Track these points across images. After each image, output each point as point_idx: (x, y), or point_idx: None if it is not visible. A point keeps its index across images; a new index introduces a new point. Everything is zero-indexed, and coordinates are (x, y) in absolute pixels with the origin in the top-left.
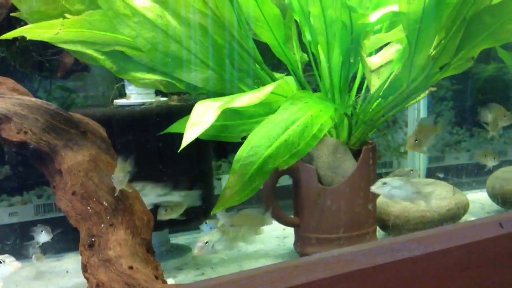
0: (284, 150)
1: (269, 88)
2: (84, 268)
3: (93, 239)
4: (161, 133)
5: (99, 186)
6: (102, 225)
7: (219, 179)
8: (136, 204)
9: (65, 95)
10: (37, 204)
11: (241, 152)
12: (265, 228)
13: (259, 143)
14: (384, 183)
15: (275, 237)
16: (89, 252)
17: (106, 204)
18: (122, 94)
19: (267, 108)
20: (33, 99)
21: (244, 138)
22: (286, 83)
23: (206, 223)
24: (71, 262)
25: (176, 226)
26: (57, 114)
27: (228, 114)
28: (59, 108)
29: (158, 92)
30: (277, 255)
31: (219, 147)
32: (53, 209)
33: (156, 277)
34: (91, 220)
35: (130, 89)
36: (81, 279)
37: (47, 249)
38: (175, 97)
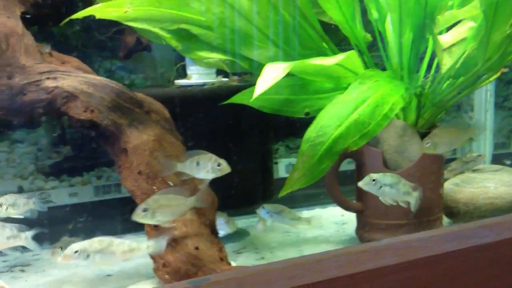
0: (354, 131)
1: (341, 56)
2: None
3: None
4: (224, 103)
5: (164, 165)
6: None
7: (276, 163)
8: (199, 185)
9: (125, 76)
10: (97, 185)
11: (310, 132)
12: (323, 214)
13: (328, 123)
14: (373, 180)
15: (334, 223)
16: (155, 232)
17: (171, 184)
18: (181, 75)
19: (333, 83)
20: (98, 77)
21: (307, 114)
22: (355, 57)
23: (263, 207)
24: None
25: (235, 209)
26: (122, 92)
27: (293, 87)
28: (124, 87)
29: (218, 73)
30: (338, 241)
31: (277, 130)
32: (112, 190)
33: (221, 259)
34: None
35: (192, 69)
36: (143, 259)
37: (107, 231)
38: (236, 77)
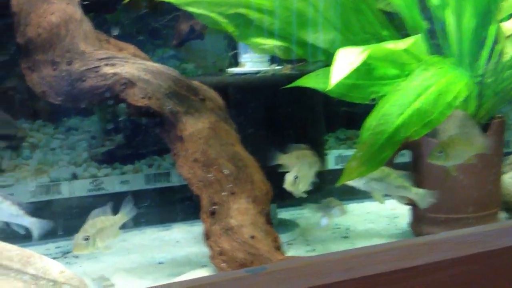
0: (417, 119)
1: (410, 40)
2: (206, 236)
3: (214, 207)
4: (290, 86)
5: (220, 153)
6: (224, 193)
7: (325, 154)
8: (256, 174)
9: (176, 65)
10: (148, 173)
11: (371, 120)
12: (373, 208)
13: (389, 111)
14: None
15: (384, 216)
16: (211, 219)
17: (227, 172)
18: (234, 64)
19: (398, 69)
20: (155, 64)
21: (373, 100)
22: (421, 42)
23: (326, 202)
24: (180, 232)
25: (285, 200)
26: (178, 80)
27: (359, 72)
28: (180, 74)
29: (272, 61)
30: (390, 235)
31: (326, 121)
32: (162, 179)
33: (276, 249)
34: (213, 187)
35: (245, 57)
36: (192, 248)
37: (155, 219)
38: (289, 66)
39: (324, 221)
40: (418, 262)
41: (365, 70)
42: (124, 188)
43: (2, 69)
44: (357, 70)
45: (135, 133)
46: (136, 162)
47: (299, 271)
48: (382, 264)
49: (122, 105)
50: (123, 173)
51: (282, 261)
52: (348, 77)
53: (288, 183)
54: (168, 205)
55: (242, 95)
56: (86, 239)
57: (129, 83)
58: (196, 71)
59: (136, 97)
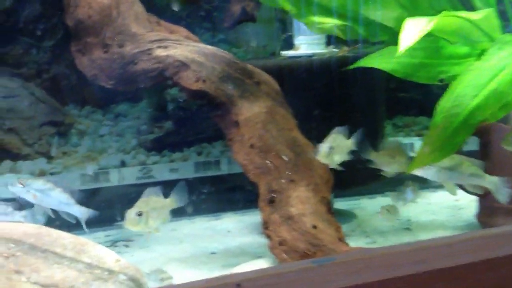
0: (493, 101)
1: (483, 12)
2: (265, 225)
3: (273, 195)
4: (352, 67)
5: (277, 139)
6: (282, 181)
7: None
8: (315, 161)
9: (226, 49)
10: (197, 161)
11: (444, 102)
12: (434, 199)
13: (464, 92)
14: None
15: (447, 207)
16: (269, 208)
17: (286, 159)
18: (286, 47)
19: (469, 48)
20: (209, 46)
21: (441, 80)
22: (493, 17)
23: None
24: (231, 222)
25: (344, 189)
26: (232, 62)
27: (427, 51)
28: (234, 57)
29: (328, 43)
30: (455, 227)
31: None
32: (212, 167)
33: (339, 239)
34: (271, 174)
35: (300, 40)
36: (245, 238)
37: (205, 209)
38: (346, 48)
39: (410, 194)
40: (499, 253)
41: (433, 49)
42: (173, 176)
43: (49, 54)
44: (424, 49)
45: (184, 120)
46: (185, 149)
47: (369, 263)
48: (459, 256)
49: (171, 91)
50: (172, 161)
51: (349, 252)
52: (414, 56)
53: (322, 154)
54: (217, 194)
55: (297, 79)
56: (139, 215)
57: (183, 66)
58: (246, 55)
59: (190, 80)
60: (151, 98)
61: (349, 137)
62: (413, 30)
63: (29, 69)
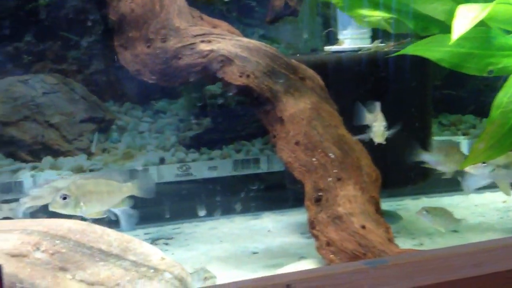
0: None
1: None
2: (312, 225)
3: (320, 194)
4: (396, 54)
5: (323, 136)
6: (329, 179)
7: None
8: (363, 159)
9: (267, 44)
10: (236, 159)
11: (502, 96)
12: (480, 201)
13: None
14: (483, 162)
15: (495, 209)
16: (316, 207)
17: (332, 156)
18: (328, 42)
19: None
20: (252, 41)
21: (491, 72)
22: None
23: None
24: (270, 221)
25: (390, 189)
26: (277, 57)
27: (476, 41)
28: (278, 51)
29: (373, 38)
30: (505, 229)
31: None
32: (251, 165)
33: (389, 240)
34: (317, 172)
35: (344, 34)
36: (286, 238)
37: (244, 208)
38: (391, 43)
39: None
40: None
41: (483, 39)
42: (212, 174)
43: (89, 49)
44: (473, 38)
45: (223, 117)
46: (224, 147)
47: (423, 266)
48: None
49: (210, 87)
50: (210, 159)
51: (401, 254)
52: (463, 45)
53: (378, 134)
54: (256, 193)
55: (342, 74)
56: (64, 198)
57: (227, 60)
58: (287, 51)
59: (234, 75)
60: (190, 94)
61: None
62: (466, 17)
63: (70, 65)
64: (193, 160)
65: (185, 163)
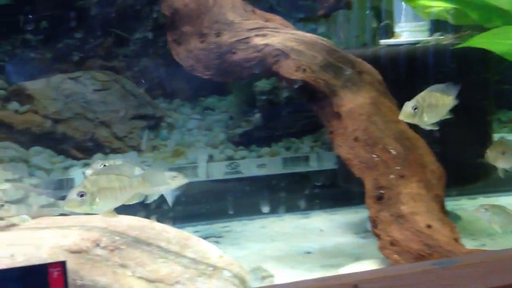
0: None
1: None
2: (374, 224)
3: (381, 191)
4: (457, 47)
5: (384, 132)
6: (391, 176)
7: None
8: (427, 155)
9: None
10: (285, 157)
11: None
12: None
13: None
14: None
15: None
16: (378, 205)
17: (394, 153)
18: (381, 35)
19: None
20: (308, 34)
21: None
22: None
23: None
24: (321, 221)
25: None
26: (333, 51)
27: None
28: (334, 45)
29: (432, 30)
30: None
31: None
32: (301, 163)
33: (455, 240)
34: (378, 169)
35: (401, 27)
36: (339, 238)
37: (294, 206)
38: (451, 35)
39: None
40: None
41: None
42: (261, 172)
43: (139, 46)
44: None
45: (272, 114)
46: (273, 144)
47: (495, 266)
48: None
49: (260, 84)
50: (259, 156)
51: (470, 254)
52: None
53: (404, 113)
54: (306, 191)
55: (399, 68)
56: (81, 195)
57: (282, 54)
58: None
59: (290, 69)
60: (239, 91)
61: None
62: None
63: (120, 62)
64: (242, 158)
65: (234, 160)
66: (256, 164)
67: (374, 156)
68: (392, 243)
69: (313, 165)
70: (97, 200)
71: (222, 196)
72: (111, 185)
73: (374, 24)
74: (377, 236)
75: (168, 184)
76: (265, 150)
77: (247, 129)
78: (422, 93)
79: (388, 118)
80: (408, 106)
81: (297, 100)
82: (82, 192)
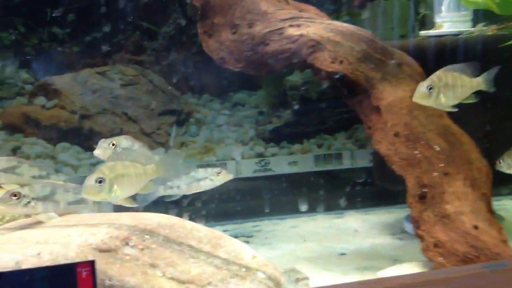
0: None
1: None
2: (416, 224)
3: (424, 190)
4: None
5: (426, 126)
6: (435, 174)
7: None
8: (472, 152)
9: None
10: (317, 154)
11: None
12: None
13: None
14: None
15: None
16: (421, 205)
17: (437, 149)
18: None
19: None
20: (345, 24)
21: None
22: None
23: None
24: (355, 221)
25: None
26: (372, 41)
27: None
28: (373, 35)
29: (475, 21)
30: None
31: None
32: (333, 161)
33: (503, 242)
34: (420, 167)
35: (443, 17)
36: (375, 239)
37: (326, 205)
38: (494, 26)
39: None
40: None
41: None
42: (292, 169)
43: (168, 40)
44: None
45: (304, 109)
46: (304, 141)
47: None
48: None
49: (291, 78)
50: (290, 153)
51: None
52: None
53: (418, 94)
54: (339, 190)
55: (442, 60)
56: (100, 182)
57: (317, 45)
58: None
59: (325, 61)
60: (269, 86)
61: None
62: None
63: (148, 56)
64: (272, 155)
65: (264, 157)
66: (287, 162)
67: (416, 152)
68: (436, 245)
69: (346, 163)
70: (115, 187)
71: (252, 194)
72: (127, 171)
73: (412, 15)
74: (420, 237)
75: (212, 180)
76: (297, 147)
77: (277, 125)
78: (438, 72)
79: (431, 112)
80: (423, 86)
81: (329, 94)
82: (101, 178)
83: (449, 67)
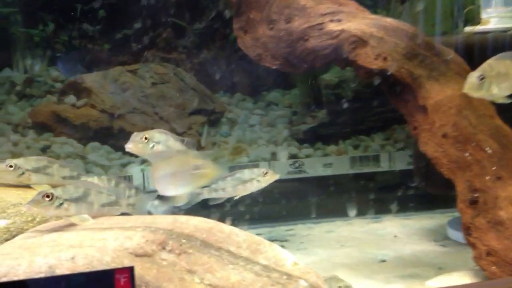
0: None
1: None
2: (467, 231)
3: (476, 195)
4: None
5: (477, 127)
6: (487, 178)
7: None
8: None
9: None
10: (353, 156)
11: None
12: None
13: None
14: None
15: None
16: (472, 211)
17: (489, 151)
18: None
19: None
20: (388, 19)
21: None
22: None
23: None
24: (394, 226)
25: None
26: (417, 37)
27: None
28: (418, 30)
29: None
30: None
31: None
32: (370, 163)
33: None
34: (471, 170)
35: (489, 13)
36: (416, 246)
37: (363, 209)
38: None
39: None
40: None
41: None
42: (327, 172)
43: (199, 37)
44: None
45: (339, 109)
46: (340, 142)
47: None
48: None
49: (326, 77)
50: (325, 155)
51: None
52: None
53: (469, 85)
54: (376, 193)
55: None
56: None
57: (360, 41)
58: None
59: (368, 58)
60: (304, 85)
61: None
62: None
63: (180, 54)
64: (307, 156)
65: (298, 159)
66: (321, 163)
67: (467, 154)
68: (489, 253)
69: (384, 165)
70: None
71: (285, 197)
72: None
73: (456, 11)
74: (472, 245)
75: (259, 181)
76: (332, 148)
77: (312, 125)
78: (489, 60)
79: (481, 112)
80: (473, 76)
81: (366, 93)
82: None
83: (502, 54)
